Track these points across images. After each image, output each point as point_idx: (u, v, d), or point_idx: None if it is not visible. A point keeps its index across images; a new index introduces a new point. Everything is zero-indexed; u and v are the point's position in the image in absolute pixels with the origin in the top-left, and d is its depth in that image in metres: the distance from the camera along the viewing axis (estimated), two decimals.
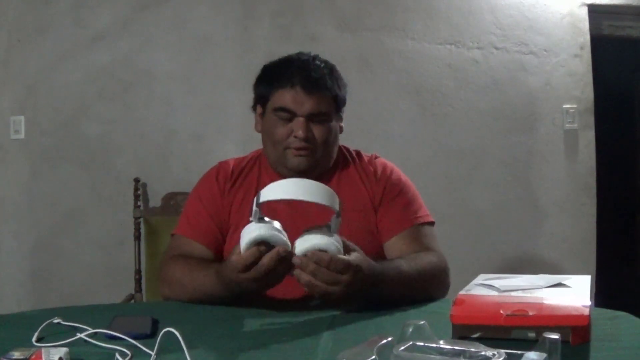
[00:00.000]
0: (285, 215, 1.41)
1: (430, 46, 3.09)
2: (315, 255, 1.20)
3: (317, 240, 1.22)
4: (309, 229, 1.26)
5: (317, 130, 1.51)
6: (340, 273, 1.21)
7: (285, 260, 1.22)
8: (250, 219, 1.24)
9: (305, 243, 1.22)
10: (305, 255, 1.21)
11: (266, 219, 1.24)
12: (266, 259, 1.21)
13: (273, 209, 1.38)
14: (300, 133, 1.48)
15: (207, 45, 3.04)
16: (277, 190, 1.24)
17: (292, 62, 1.53)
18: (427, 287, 1.43)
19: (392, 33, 3.08)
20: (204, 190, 1.60)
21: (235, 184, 1.59)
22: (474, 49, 3.10)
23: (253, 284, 1.25)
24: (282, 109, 1.50)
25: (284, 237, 1.23)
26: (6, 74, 2.99)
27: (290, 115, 1.50)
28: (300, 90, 1.48)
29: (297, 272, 1.22)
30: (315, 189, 1.24)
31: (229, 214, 1.56)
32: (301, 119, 1.49)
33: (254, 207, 1.23)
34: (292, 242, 1.24)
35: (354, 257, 1.25)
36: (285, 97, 1.49)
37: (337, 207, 1.23)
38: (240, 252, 1.23)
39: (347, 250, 1.26)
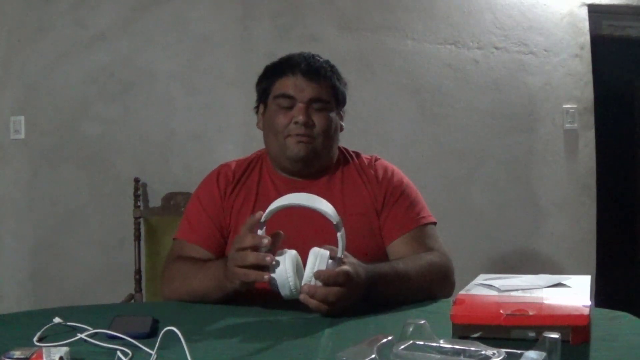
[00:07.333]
0: (289, 218, 1.39)
1: (430, 46, 3.09)
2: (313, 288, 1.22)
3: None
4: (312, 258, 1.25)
5: (317, 118, 1.54)
6: (340, 286, 1.23)
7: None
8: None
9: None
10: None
11: (282, 255, 1.24)
12: (252, 256, 1.23)
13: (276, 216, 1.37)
14: (300, 118, 1.51)
15: (207, 45, 3.04)
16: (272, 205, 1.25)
17: (294, 56, 1.59)
18: (428, 285, 1.43)
19: (392, 33, 3.08)
20: (205, 193, 1.61)
21: (236, 187, 1.59)
22: (474, 49, 3.10)
23: (234, 268, 1.26)
24: (283, 95, 1.54)
25: (295, 282, 1.23)
26: (6, 74, 2.99)
27: (291, 102, 1.53)
28: (300, 77, 1.53)
29: (304, 298, 1.23)
30: (312, 197, 1.26)
31: (230, 217, 1.56)
32: (301, 105, 1.52)
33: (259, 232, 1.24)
34: (297, 247, 1.26)
35: (347, 266, 1.25)
36: (287, 83, 1.54)
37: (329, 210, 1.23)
38: (248, 232, 1.25)
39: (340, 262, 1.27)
